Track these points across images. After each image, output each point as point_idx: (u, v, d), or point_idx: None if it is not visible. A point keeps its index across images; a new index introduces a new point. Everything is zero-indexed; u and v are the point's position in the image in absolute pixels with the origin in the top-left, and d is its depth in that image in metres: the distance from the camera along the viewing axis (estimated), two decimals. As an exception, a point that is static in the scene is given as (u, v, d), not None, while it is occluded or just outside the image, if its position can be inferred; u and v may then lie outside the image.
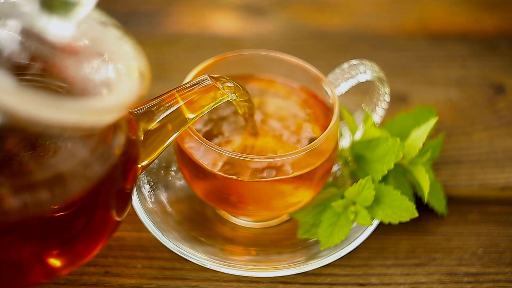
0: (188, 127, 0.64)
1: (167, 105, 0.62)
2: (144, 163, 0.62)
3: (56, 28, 0.52)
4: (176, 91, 0.62)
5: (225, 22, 0.97)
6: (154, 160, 0.63)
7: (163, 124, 0.61)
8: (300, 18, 0.98)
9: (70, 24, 0.52)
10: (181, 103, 0.62)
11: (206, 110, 0.62)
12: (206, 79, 0.63)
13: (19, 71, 0.53)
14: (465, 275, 0.68)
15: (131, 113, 0.60)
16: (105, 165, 0.56)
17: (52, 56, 0.53)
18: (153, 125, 0.61)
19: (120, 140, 0.57)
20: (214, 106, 0.63)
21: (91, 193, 0.56)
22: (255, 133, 0.67)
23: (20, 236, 0.55)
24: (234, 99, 0.63)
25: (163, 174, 0.74)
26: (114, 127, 0.57)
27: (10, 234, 0.54)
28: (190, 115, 0.62)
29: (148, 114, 0.61)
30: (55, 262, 0.58)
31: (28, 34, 0.52)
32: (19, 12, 0.52)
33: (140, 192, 0.70)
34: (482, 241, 0.71)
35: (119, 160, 0.57)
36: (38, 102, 0.47)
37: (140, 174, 0.63)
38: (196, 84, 0.63)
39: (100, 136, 0.56)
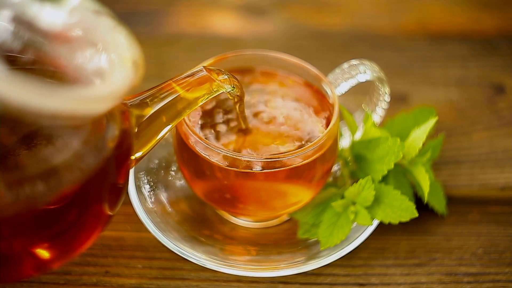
0: (188, 127, 0.64)
1: (161, 96, 0.61)
2: (138, 155, 0.61)
3: (48, 16, 0.52)
4: (170, 82, 0.62)
5: (225, 22, 0.97)
6: (147, 152, 0.62)
7: (157, 115, 0.61)
8: (300, 18, 0.98)
9: (62, 12, 0.52)
10: (175, 94, 0.61)
11: (200, 101, 0.62)
12: (201, 70, 0.63)
13: (10, 59, 0.53)
14: (465, 275, 0.68)
15: (124, 104, 0.60)
16: (97, 156, 0.56)
17: (44, 44, 0.53)
18: (147, 117, 0.61)
19: (112, 131, 0.57)
20: (209, 97, 0.62)
21: (83, 185, 0.56)
22: (246, 127, 0.67)
23: (11, 229, 0.55)
24: (229, 91, 0.63)
25: (163, 174, 0.74)
26: (106, 118, 0.57)
27: (1, 227, 0.54)
28: (184, 107, 0.62)
29: (142, 105, 0.61)
30: (46, 254, 0.58)
31: (20, 22, 0.52)
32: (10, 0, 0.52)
33: (140, 192, 0.70)
34: (482, 241, 0.71)
35: (111, 151, 0.57)
36: (30, 90, 0.47)
37: (133, 166, 0.62)
38: (191, 75, 0.62)
39: (92, 127, 0.56)
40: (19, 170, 0.54)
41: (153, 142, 0.62)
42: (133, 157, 0.61)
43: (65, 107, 0.49)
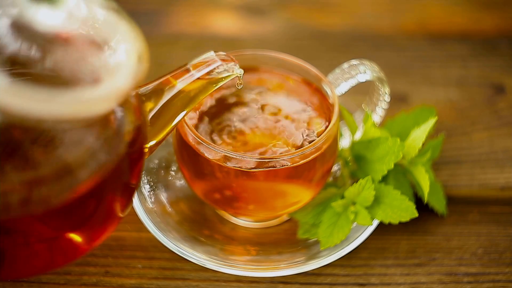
0: (188, 126, 0.64)
1: (174, 83, 0.61)
2: (152, 143, 0.61)
3: (48, 15, 0.52)
4: (183, 69, 0.62)
5: (225, 22, 0.97)
6: (163, 140, 0.62)
7: (171, 102, 0.61)
8: (300, 18, 0.98)
9: (60, 12, 0.52)
10: (189, 80, 0.62)
11: (214, 87, 0.63)
12: (212, 57, 0.63)
13: (10, 65, 0.52)
14: (465, 275, 0.68)
15: (136, 93, 0.60)
16: (111, 151, 0.55)
17: (44, 46, 0.53)
18: (161, 104, 0.61)
19: (124, 124, 0.57)
20: (223, 83, 0.63)
21: (101, 179, 0.56)
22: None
23: (32, 225, 0.55)
24: (241, 75, 0.64)
25: (163, 174, 0.74)
26: (117, 112, 0.56)
27: (19, 224, 0.54)
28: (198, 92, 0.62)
29: (156, 92, 0.61)
30: (76, 239, 0.58)
31: (18, 26, 0.51)
32: (7, 3, 0.52)
33: (140, 192, 0.70)
34: (482, 241, 0.71)
35: (124, 144, 0.57)
36: (34, 97, 0.47)
37: (149, 155, 0.62)
38: (203, 61, 0.63)
39: (103, 123, 0.55)
40: (37, 171, 0.54)
41: (168, 129, 0.62)
42: (147, 146, 0.61)
43: (71, 110, 0.49)
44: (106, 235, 0.61)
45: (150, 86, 0.61)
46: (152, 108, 0.61)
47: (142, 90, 0.61)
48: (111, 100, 0.51)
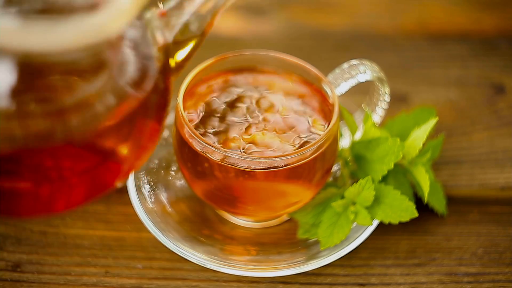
0: (188, 126, 0.64)
1: None
2: (179, 58, 0.61)
3: None
4: None
5: (225, 22, 0.97)
6: (191, 56, 0.61)
7: (196, 14, 0.61)
8: (300, 18, 0.98)
9: None
10: None
11: None
12: None
13: (7, 4, 0.51)
14: (465, 275, 0.68)
15: (156, 10, 0.59)
16: (135, 69, 0.54)
17: None
18: (184, 19, 0.60)
19: (143, 42, 0.56)
20: None
21: (132, 99, 0.55)
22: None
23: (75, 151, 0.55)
24: None
25: (163, 174, 0.74)
26: (132, 31, 0.55)
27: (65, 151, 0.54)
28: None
29: (178, 8, 0.60)
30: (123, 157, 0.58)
31: None
32: None
33: (140, 192, 0.70)
34: (482, 241, 0.71)
35: (147, 60, 0.56)
36: (39, 31, 0.46)
37: (178, 73, 0.61)
38: None
39: (118, 44, 0.54)
40: (64, 100, 0.53)
41: (194, 43, 0.61)
42: (174, 60, 0.60)
43: (80, 36, 0.48)
44: (146, 155, 0.60)
45: (173, 2, 0.60)
46: (175, 24, 0.60)
47: (165, 7, 0.60)
48: (119, 20, 0.50)
